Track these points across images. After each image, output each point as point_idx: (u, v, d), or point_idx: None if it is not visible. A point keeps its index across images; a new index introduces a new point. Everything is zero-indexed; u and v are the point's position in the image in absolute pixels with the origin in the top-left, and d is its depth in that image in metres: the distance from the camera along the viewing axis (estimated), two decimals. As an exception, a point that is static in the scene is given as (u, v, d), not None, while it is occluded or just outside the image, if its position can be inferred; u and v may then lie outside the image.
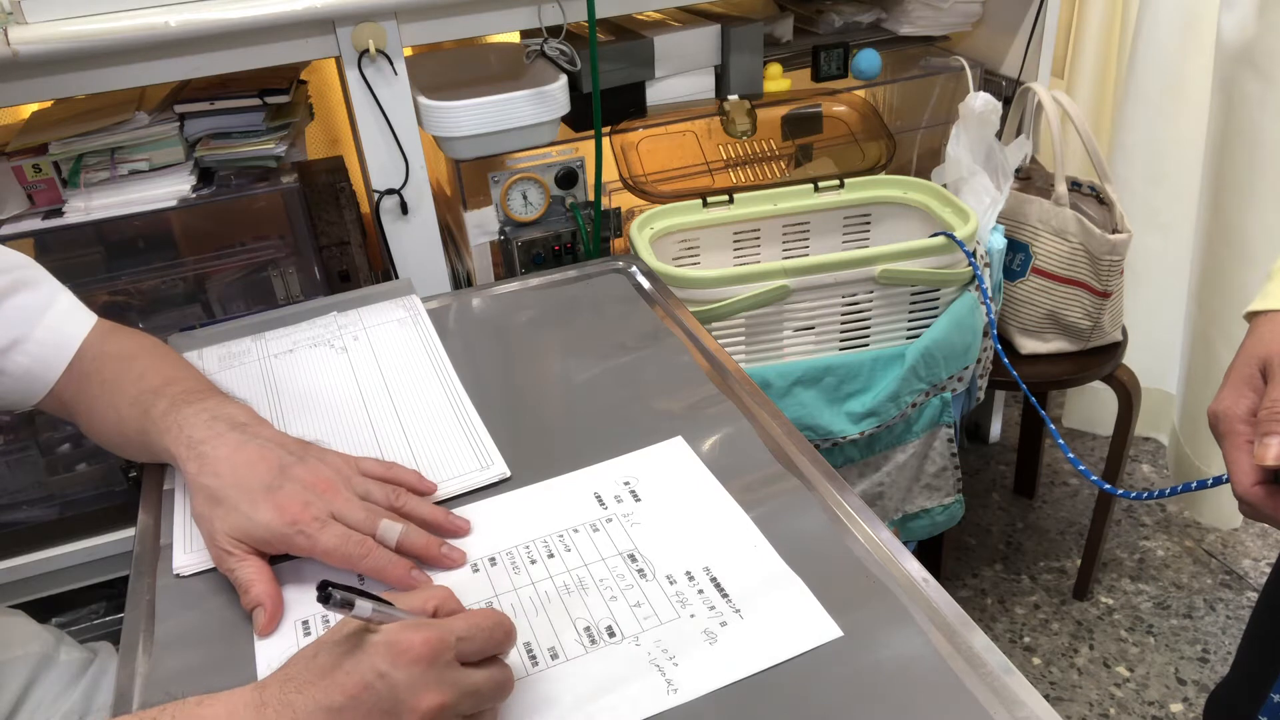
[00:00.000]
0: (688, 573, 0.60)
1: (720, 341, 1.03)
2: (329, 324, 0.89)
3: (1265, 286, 0.67)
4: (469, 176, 1.18)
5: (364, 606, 0.46)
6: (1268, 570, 1.57)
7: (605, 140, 1.22)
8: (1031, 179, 1.32)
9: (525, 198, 1.18)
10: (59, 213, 1.03)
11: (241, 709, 0.46)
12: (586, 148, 1.17)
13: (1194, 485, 0.72)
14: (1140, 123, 1.53)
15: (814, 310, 1.09)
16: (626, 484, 0.68)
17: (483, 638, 0.49)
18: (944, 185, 1.21)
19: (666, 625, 0.56)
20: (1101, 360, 1.33)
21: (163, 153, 1.06)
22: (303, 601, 0.60)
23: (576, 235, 1.21)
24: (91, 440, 0.73)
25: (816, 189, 1.20)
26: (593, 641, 0.56)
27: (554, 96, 1.09)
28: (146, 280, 1.14)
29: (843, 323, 1.11)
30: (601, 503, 0.66)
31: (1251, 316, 0.67)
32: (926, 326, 1.12)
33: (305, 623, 0.58)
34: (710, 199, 1.18)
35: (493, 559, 0.62)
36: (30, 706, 0.71)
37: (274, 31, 0.99)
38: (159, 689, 0.55)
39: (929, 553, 1.47)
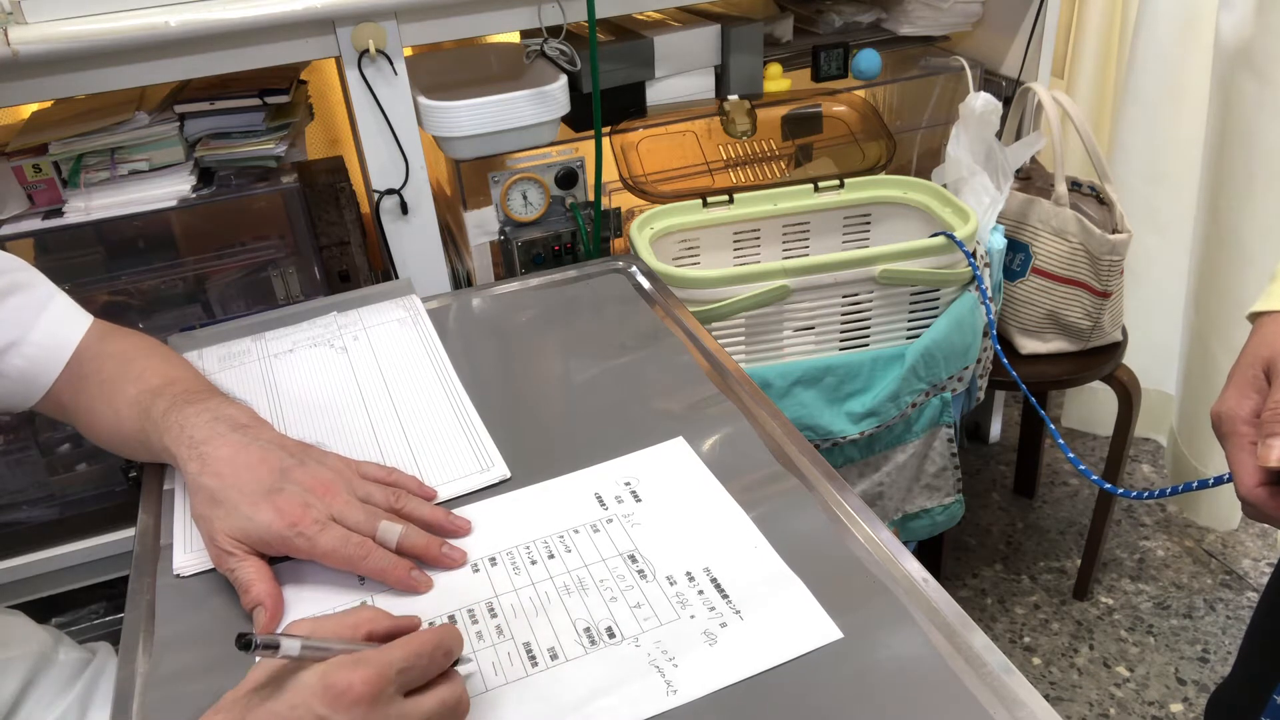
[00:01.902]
0: (688, 573, 0.60)
1: (720, 341, 1.03)
2: (329, 324, 0.89)
3: (1268, 287, 0.67)
4: (469, 176, 1.18)
5: (291, 645, 0.44)
6: (1268, 570, 1.57)
7: (605, 140, 1.22)
8: (1031, 179, 1.32)
9: (525, 198, 1.18)
10: (59, 213, 1.03)
11: None
12: (586, 148, 1.16)
13: (1195, 485, 0.72)
14: (1140, 123, 1.53)
15: (814, 310, 1.09)
16: (627, 484, 0.68)
17: (424, 665, 0.48)
18: (944, 185, 1.21)
19: (666, 626, 0.56)
20: (1101, 360, 1.33)
21: (163, 153, 1.06)
22: (303, 601, 0.60)
23: (576, 235, 1.21)
24: (89, 440, 0.73)
25: (816, 189, 1.20)
26: (592, 642, 0.56)
27: (554, 96, 1.09)
28: (146, 280, 1.14)
29: (843, 323, 1.11)
30: (602, 503, 0.66)
31: (1254, 317, 0.66)
32: (926, 326, 1.12)
33: (305, 623, 0.58)
34: (710, 199, 1.18)
35: (493, 559, 0.62)
36: (28, 706, 0.71)
37: (274, 31, 0.99)
38: (159, 689, 0.55)
39: (929, 553, 1.47)
